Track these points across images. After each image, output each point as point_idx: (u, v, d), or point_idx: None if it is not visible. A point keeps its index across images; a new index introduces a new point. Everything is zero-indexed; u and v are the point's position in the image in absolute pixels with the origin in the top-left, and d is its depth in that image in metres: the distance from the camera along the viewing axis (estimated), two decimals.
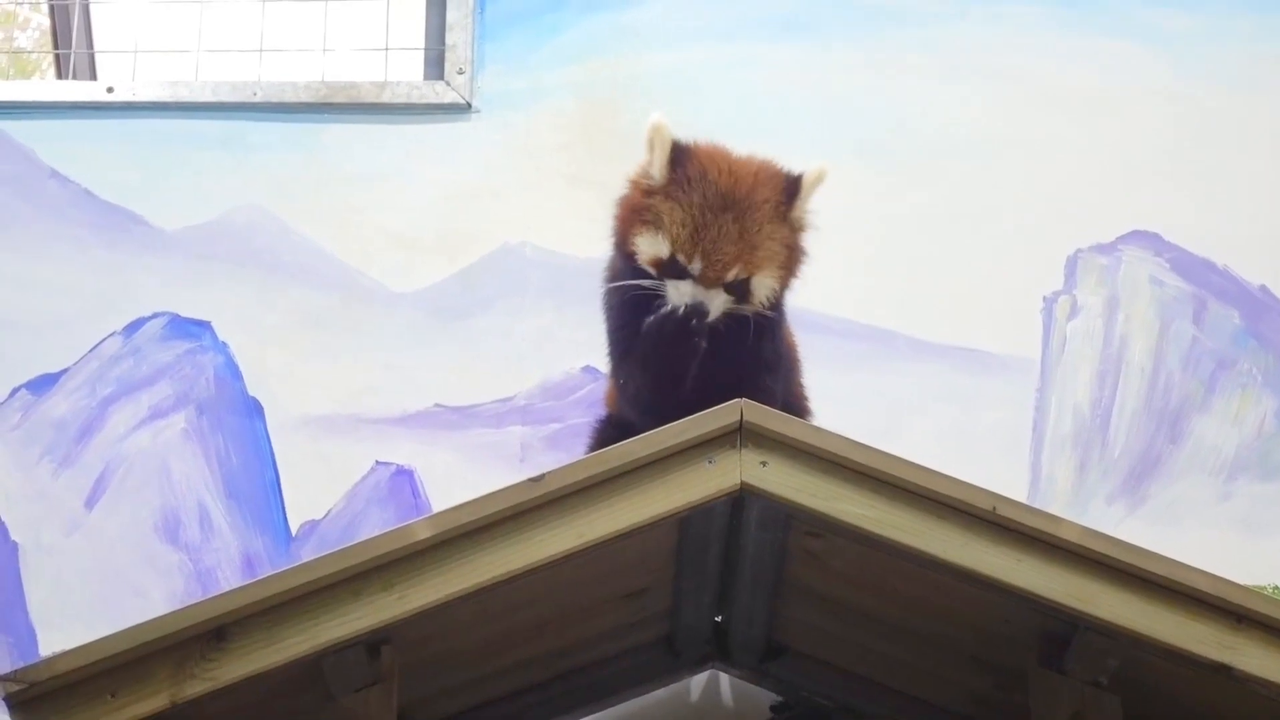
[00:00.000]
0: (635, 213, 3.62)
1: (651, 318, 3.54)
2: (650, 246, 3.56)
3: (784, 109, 5.37)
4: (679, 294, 3.51)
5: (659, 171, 3.60)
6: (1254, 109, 5.35)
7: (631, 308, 3.61)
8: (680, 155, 3.61)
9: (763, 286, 3.58)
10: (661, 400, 3.42)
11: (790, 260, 3.65)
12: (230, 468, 5.17)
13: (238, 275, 5.32)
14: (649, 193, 3.61)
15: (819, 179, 3.64)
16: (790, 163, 3.70)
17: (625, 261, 3.65)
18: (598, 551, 3.08)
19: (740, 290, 3.55)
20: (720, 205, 3.55)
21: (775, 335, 3.71)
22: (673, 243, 3.53)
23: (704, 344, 3.52)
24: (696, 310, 3.49)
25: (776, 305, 3.65)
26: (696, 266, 3.51)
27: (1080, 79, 5.39)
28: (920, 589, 3.45)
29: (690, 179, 3.58)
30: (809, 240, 3.69)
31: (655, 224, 3.56)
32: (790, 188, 3.63)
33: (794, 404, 3.78)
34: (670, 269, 3.54)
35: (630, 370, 3.66)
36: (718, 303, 3.53)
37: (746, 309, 3.56)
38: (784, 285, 3.66)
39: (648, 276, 3.57)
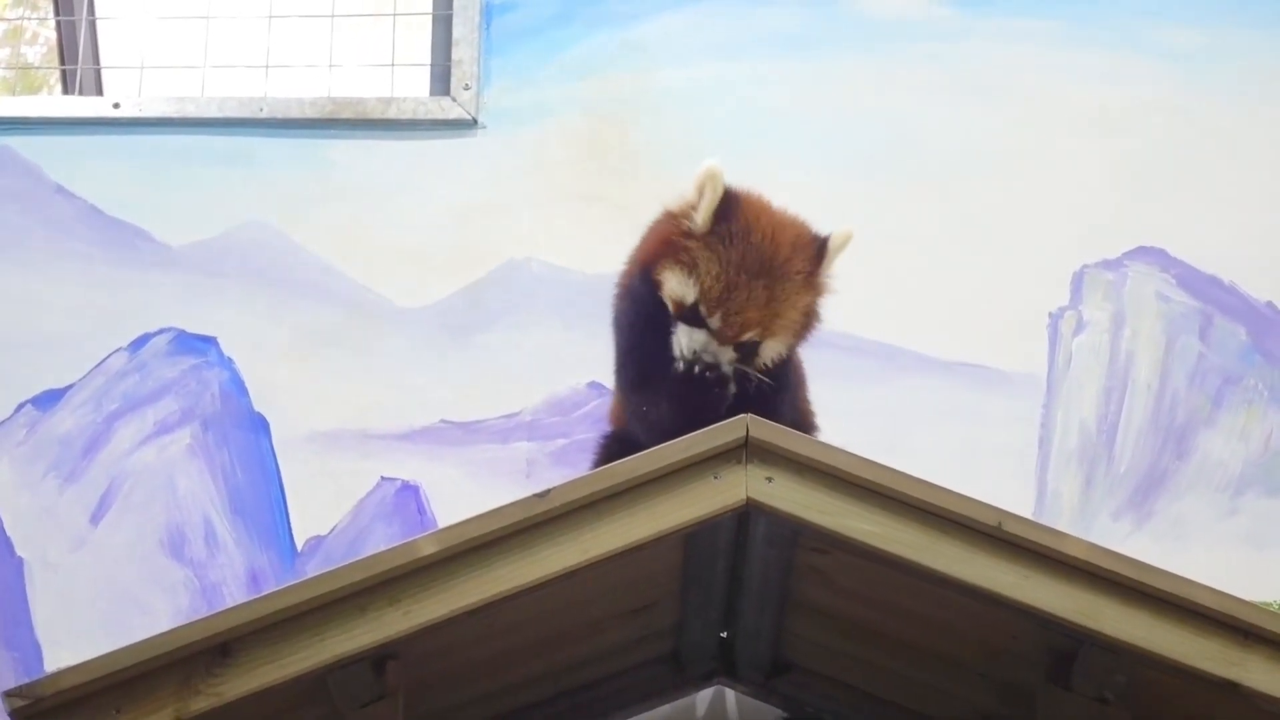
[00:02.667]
0: (670, 247, 3.57)
1: (678, 372, 3.53)
2: (678, 287, 3.53)
3: (790, 125, 5.38)
4: (689, 340, 3.50)
5: (703, 219, 3.54)
6: (1260, 124, 5.35)
7: (643, 329, 3.60)
8: (727, 208, 3.55)
9: (770, 350, 3.57)
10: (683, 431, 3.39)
11: (804, 327, 3.65)
12: (235, 483, 5.17)
13: (243, 291, 5.33)
14: (688, 234, 3.56)
15: (845, 243, 3.62)
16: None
17: (646, 286, 3.62)
18: (603, 567, 3.08)
19: (748, 350, 3.54)
20: (756, 270, 3.51)
21: (784, 360, 3.70)
22: (701, 293, 3.50)
23: (731, 391, 3.52)
24: (701, 362, 3.48)
25: (778, 367, 3.63)
26: (715, 322, 3.49)
27: (1086, 95, 5.39)
28: (926, 605, 3.45)
29: (733, 235, 3.52)
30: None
31: (689, 267, 3.52)
32: (819, 253, 3.61)
33: (800, 420, 3.76)
34: (689, 315, 3.52)
35: (653, 405, 3.64)
36: (724, 359, 3.51)
37: (748, 371, 3.55)
38: (791, 350, 3.65)
39: (664, 309, 3.56)
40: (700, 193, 3.56)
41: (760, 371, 3.55)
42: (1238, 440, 5.11)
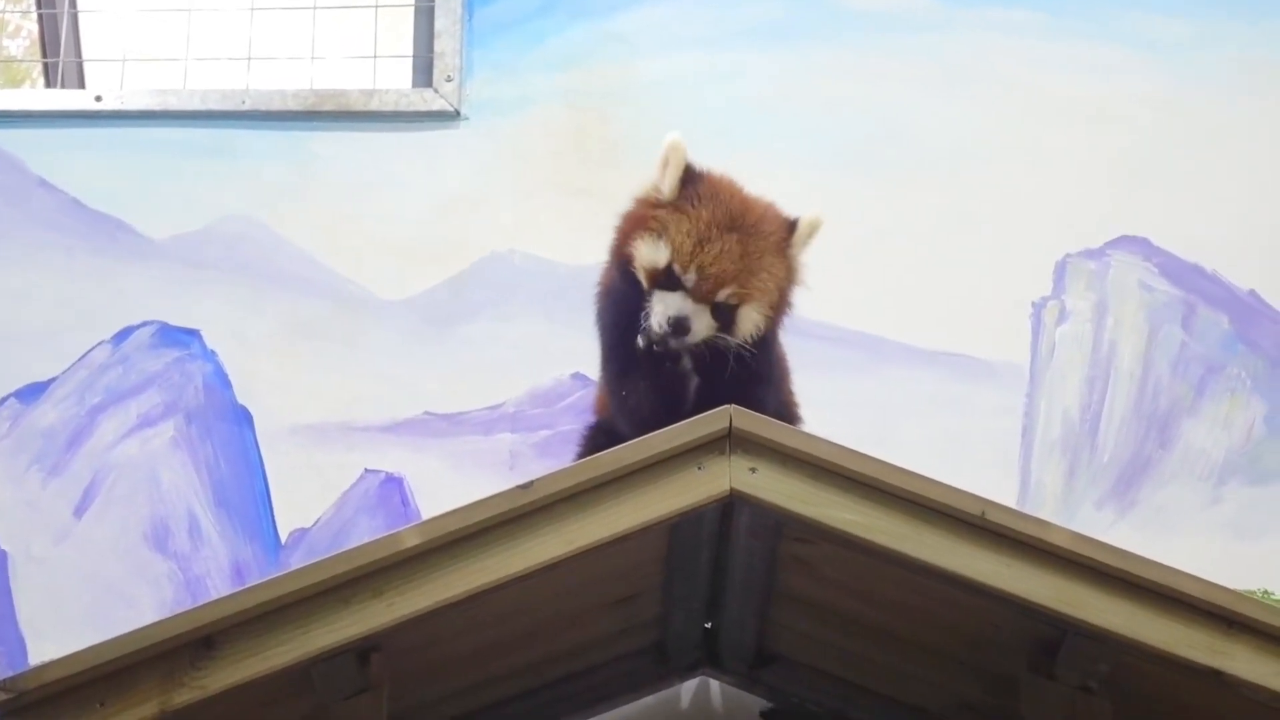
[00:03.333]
0: (638, 222, 3.63)
1: (640, 348, 3.55)
2: (649, 253, 3.56)
3: (772, 116, 5.37)
4: (665, 306, 3.51)
5: (669, 187, 3.61)
6: (1243, 114, 5.35)
7: (625, 327, 3.61)
8: (692, 176, 3.63)
9: (748, 319, 3.58)
10: (664, 421, 3.39)
11: (780, 303, 3.66)
12: (219, 476, 5.17)
13: (227, 283, 5.32)
14: (656, 205, 3.62)
15: (814, 226, 3.66)
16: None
17: (620, 273, 3.65)
18: (587, 558, 3.08)
19: (727, 316, 3.55)
20: (727, 225, 3.56)
21: (767, 349, 3.70)
22: (673, 251, 3.53)
23: (692, 374, 3.55)
24: (679, 326, 3.49)
25: (758, 346, 3.63)
26: (690, 278, 3.51)
27: (1069, 85, 5.39)
28: (910, 595, 3.45)
29: (700, 196, 3.59)
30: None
31: (658, 232, 3.57)
32: (790, 227, 3.65)
33: (784, 411, 3.77)
34: (663, 280, 3.54)
35: (630, 394, 3.65)
36: (702, 323, 3.52)
37: (729, 342, 3.56)
38: (768, 326, 3.65)
39: (639, 288, 3.57)
40: (665, 165, 3.63)
41: (740, 345, 3.56)
42: (1221, 429, 5.12)
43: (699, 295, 3.52)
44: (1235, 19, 5.43)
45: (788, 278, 3.66)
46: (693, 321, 3.51)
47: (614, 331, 3.70)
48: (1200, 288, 5.21)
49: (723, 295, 3.53)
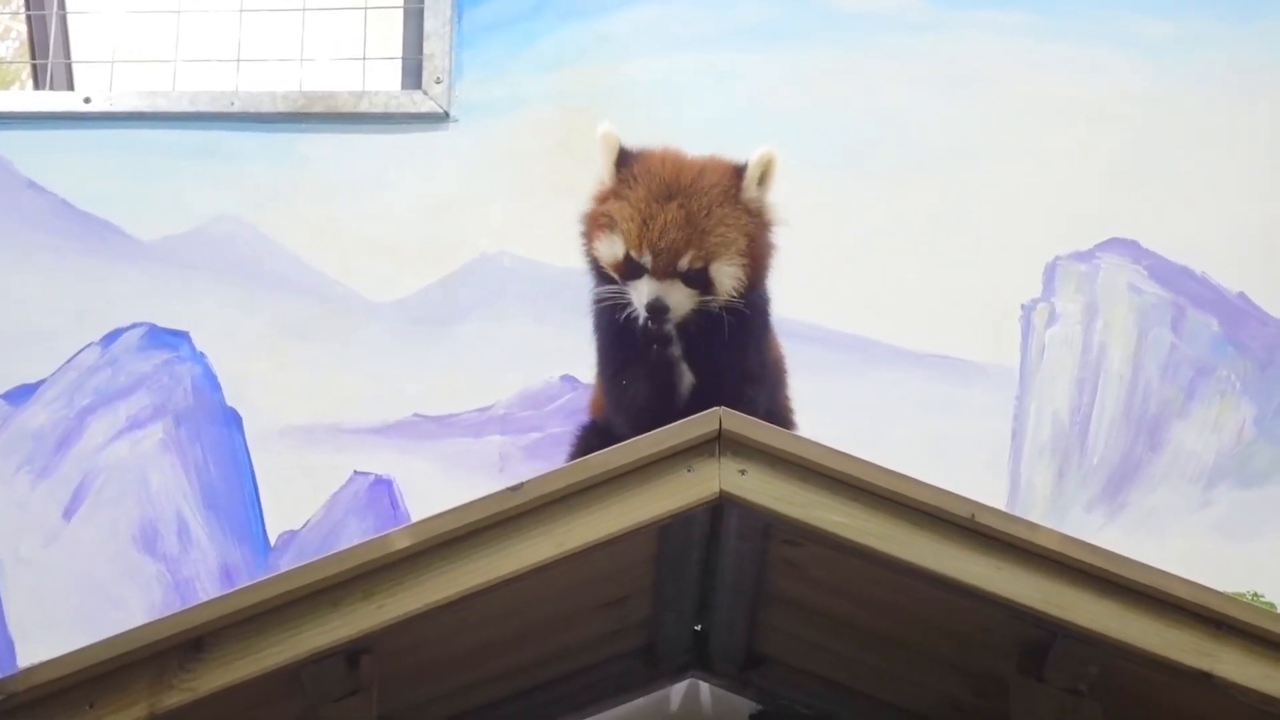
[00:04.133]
0: (593, 222, 3.66)
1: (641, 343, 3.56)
2: (608, 249, 3.59)
3: (763, 116, 5.37)
4: (639, 295, 3.52)
5: (607, 174, 3.65)
6: (1232, 116, 5.35)
7: (616, 327, 3.62)
8: (627, 157, 3.66)
9: (724, 275, 3.56)
10: (658, 416, 3.39)
11: (754, 250, 3.62)
12: (208, 478, 5.16)
13: (216, 285, 5.32)
14: (603, 199, 3.66)
15: (765, 162, 3.66)
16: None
17: (599, 276, 3.67)
18: (577, 560, 3.08)
19: (700, 281, 3.54)
20: (664, 195, 3.57)
21: (759, 345, 3.70)
22: (625, 239, 3.55)
23: (675, 349, 3.53)
24: (656, 309, 3.49)
25: (750, 300, 3.60)
26: (647, 259, 3.52)
27: (1058, 86, 5.39)
28: (900, 597, 3.45)
29: (636, 176, 3.62)
30: (785, 237, 3.69)
31: (609, 226, 3.60)
32: (739, 172, 3.65)
33: (779, 415, 3.76)
34: (629, 269, 3.56)
35: (622, 386, 3.66)
36: (678, 297, 3.52)
37: (714, 302, 3.54)
38: (752, 277, 3.61)
39: (616, 285, 3.58)
40: (601, 154, 3.67)
41: (728, 300, 3.55)
42: (1210, 432, 5.12)
43: (661, 273, 3.52)
44: (1225, 21, 5.43)
45: (754, 221, 3.64)
46: (668, 299, 3.51)
47: (608, 332, 3.70)
48: (1190, 290, 5.21)
49: (684, 264, 3.53)
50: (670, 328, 3.53)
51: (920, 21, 5.48)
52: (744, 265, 3.59)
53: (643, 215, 3.55)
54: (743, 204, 3.63)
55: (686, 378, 3.58)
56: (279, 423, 5.19)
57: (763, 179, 3.66)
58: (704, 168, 3.65)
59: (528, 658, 4.02)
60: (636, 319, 3.54)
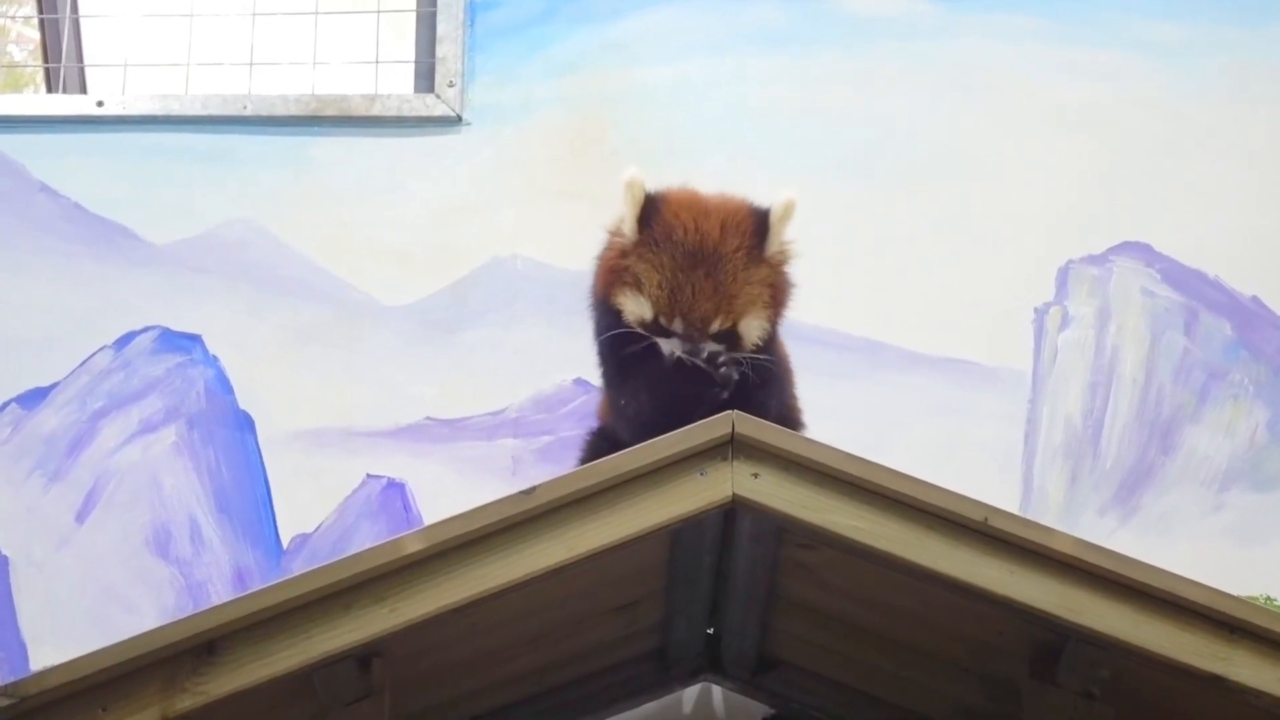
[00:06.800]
0: (615, 274, 3.60)
1: (663, 366, 3.54)
2: (635, 308, 3.55)
3: (773, 122, 5.37)
4: (670, 350, 3.52)
5: (630, 229, 3.58)
6: (1244, 120, 5.34)
7: (626, 358, 3.60)
8: (650, 210, 3.58)
9: (751, 329, 3.56)
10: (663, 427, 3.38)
11: (776, 297, 3.63)
12: (221, 481, 5.17)
13: (228, 289, 5.32)
14: (624, 253, 3.59)
15: (786, 212, 3.60)
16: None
17: (610, 318, 3.63)
18: (589, 564, 3.08)
19: (729, 338, 3.54)
20: (690, 263, 3.52)
21: (781, 391, 3.70)
22: (654, 305, 3.52)
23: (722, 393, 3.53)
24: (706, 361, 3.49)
25: (768, 346, 3.61)
26: (678, 326, 3.51)
27: (1070, 90, 5.38)
28: (912, 601, 3.45)
29: (658, 239, 3.55)
30: (799, 266, 3.68)
31: (635, 286, 3.55)
32: (759, 227, 3.60)
33: (787, 416, 3.75)
34: (655, 329, 3.53)
35: (631, 400, 3.64)
36: (709, 353, 3.52)
37: (739, 356, 3.53)
38: (775, 321, 3.63)
39: (635, 330, 3.56)
40: (625, 204, 3.58)
41: (753, 350, 3.54)
42: (1223, 435, 5.11)
43: (692, 338, 3.51)
44: (1237, 24, 5.41)
45: (774, 272, 3.62)
46: (703, 355, 3.50)
47: (613, 364, 3.69)
48: (1202, 294, 5.21)
49: (714, 328, 3.52)
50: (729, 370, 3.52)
51: (930, 26, 5.47)
52: (768, 316, 3.60)
53: (670, 285, 3.51)
54: (765, 261, 3.61)
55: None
56: (292, 426, 5.19)
57: (783, 228, 3.64)
58: (724, 227, 3.58)
59: (540, 661, 4.02)
60: (672, 360, 3.53)
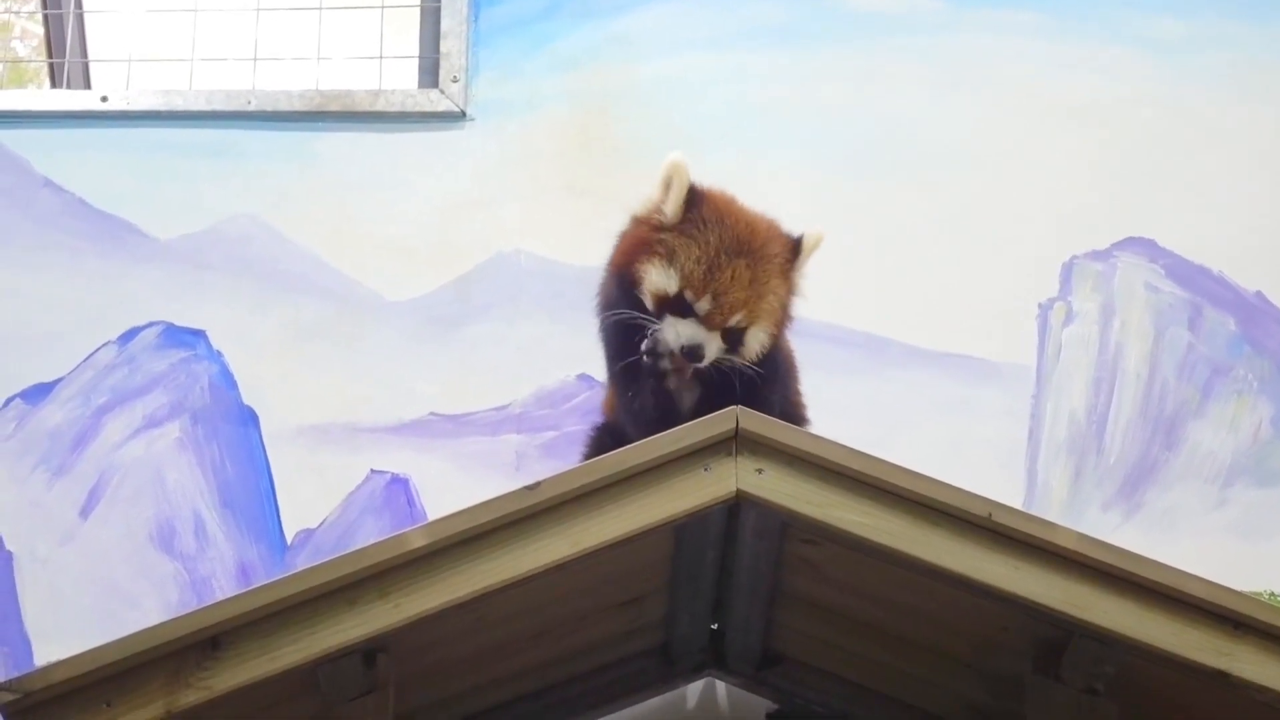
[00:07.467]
0: (644, 245, 3.59)
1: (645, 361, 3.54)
2: (660, 279, 3.53)
3: (777, 117, 5.37)
4: (678, 334, 3.49)
5: (673, 210, 3.57)
6: (1248, 116, 5.34)
7: (629, 340, 3.59)
8: (695, 197, 3.58)
9: (755, 340, 3.58)
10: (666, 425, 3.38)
11: (784, 319, 3.67)
12: (225, 477, 5.17)
13: (232, 284, 5.32)
14: (660, 228, 3.58)
15: (817, 243, 3.65)
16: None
17: (623, 291, 3.61)
18: (593, 560, 3.08)
19: (736, 339, 3.54)
20: (736, 250, 3.54)
21: (771, 356, 3.69)
22: (684, 279, 3.51)
23: (696, 385, 3.55)
24: (692, 351, 3.48)
25: (763, 361, 3.61)
26: (704, 306, 3.50)
27: (1074, 86, 5.38)
28: (916, 596, 3.45)
29: (706, 220, 3.56)
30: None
31: (668, 258, 3.53)
32: (794, 248, 3.64)
33: (792, 412, 3.77)
34: (674, 305, 3.52)
35: (635, 397, 3.64)
36: (713, 347, 3.51)
37: (735, 362, 3.53)
38: (775, 339, 3.64)
39: (644, 308, 3.55)
40: (667, 185, 3.59)
41: (749, 364, 3.54)
42: (1227, 431, 5.11)
43: (712, 322, 3.50)
44: (1241, 20, 5.41)
45: (789, 295, 3.66)
46: (706, 348, 3.49)
47: (617, 341, 3.68)
48: (1206, 289, 5.21)
49: (734, 321, 3.52)
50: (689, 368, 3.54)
51: (934, 22, 5.47)
52: (772, 335, 3.61)
53: (711, 262, 3.51)
54: (790, 280, 3.65)
55: (697, 394, 3.58)
56: (296, 421, 5.19)
57: (809, 257, 3.67)
58: (769, 234, 3.62)
59: (543, 657, 4.02)
60: (652, 343, 3.52)
